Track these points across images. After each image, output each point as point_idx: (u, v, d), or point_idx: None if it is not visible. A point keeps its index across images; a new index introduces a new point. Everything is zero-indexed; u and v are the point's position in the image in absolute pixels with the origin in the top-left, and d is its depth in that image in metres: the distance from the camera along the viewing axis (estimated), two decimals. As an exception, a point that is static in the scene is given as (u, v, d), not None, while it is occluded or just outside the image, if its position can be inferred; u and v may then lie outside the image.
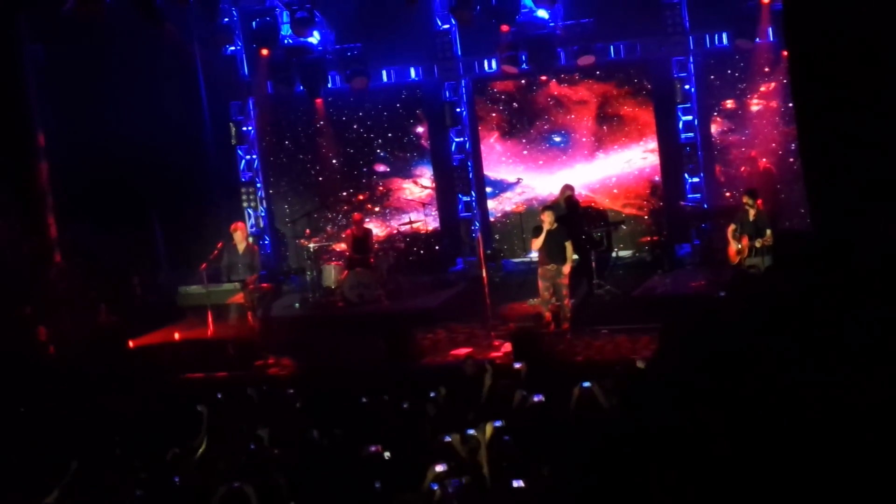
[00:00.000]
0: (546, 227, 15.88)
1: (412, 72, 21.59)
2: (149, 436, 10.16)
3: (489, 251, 19.92)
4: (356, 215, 20.26)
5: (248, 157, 22.28)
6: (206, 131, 21.37)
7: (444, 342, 16.19)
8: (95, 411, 11.65)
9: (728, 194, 20.15)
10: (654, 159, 20.66)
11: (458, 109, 21.40)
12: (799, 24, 9.76)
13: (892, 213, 8.77)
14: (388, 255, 19.93)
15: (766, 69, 19.83)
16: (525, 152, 21.36)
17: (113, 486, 9.02)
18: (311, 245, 19.68)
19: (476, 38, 20.62)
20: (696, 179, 20.35)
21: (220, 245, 16.88)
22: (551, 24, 19.98)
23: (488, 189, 21.75)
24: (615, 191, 20.85)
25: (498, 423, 8.51)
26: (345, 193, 22.12)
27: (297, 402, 11.26)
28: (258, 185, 22.35)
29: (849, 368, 7.62)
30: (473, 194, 21.70)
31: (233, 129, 21.60)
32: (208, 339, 16.71)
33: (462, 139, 21.60)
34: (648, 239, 20.23)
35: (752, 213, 16.10)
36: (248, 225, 21.83)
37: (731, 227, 16.35)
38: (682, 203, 20.12)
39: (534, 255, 16.24)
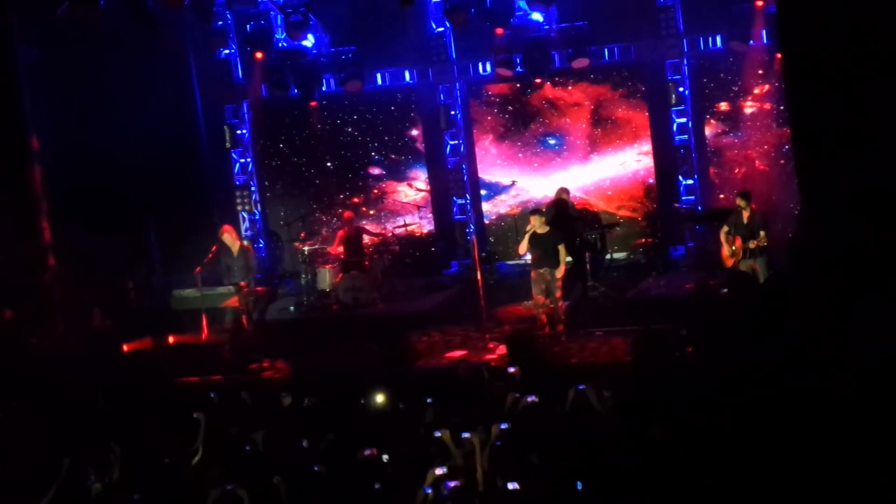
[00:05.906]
0: (531, 229, 15.79)
1: (406, 75, 21.60)
2: (144, 440, 10.13)
3: (484, 254, 19.89)
4: (346, 213, 20.27)
5: (242, 160, 22.28)
6: (200, 135, 21.38)
7: (439, 345, 16.15)
8: (90, 416, 11.61)
9: (722, 196, 20.18)
10: (648, 161, 20.70)
11: (452, 112, 21.39)
12: (792, 27, 9.75)
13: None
14: (382, 257, 19.92)
15: (760, 71, 19.88)
16: (520, 155, 21.38)
17: (108, 491, 8.99)
18: (306, 248, 19.64)
19: (470, 40, 20.60)
20: (690, 181, 20.39)
21: (214, 248, 16.83)
22: (546, 27, 20.01)
23: (483, 192, 21.76)
24: (609, 193, 20.89)
25: (504, 426, 8.50)
26: (340, 196, 22.13)
27: (292, 405, 11.23)
28: (252, 188, 22.33)
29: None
30: (468, 197, 21.68)
31: (227, 133, 21.59)
32: (203, 343, 16.67)
33: (457, 142, 21.59)
34: (643, 241, 20.23)
35: (745, 214, 16.06)
36: (243, 228, 21.82)
37: (724, 229, 16.31)
38: (676, 205, 20.14)
39: (528, 258, 16.19)
